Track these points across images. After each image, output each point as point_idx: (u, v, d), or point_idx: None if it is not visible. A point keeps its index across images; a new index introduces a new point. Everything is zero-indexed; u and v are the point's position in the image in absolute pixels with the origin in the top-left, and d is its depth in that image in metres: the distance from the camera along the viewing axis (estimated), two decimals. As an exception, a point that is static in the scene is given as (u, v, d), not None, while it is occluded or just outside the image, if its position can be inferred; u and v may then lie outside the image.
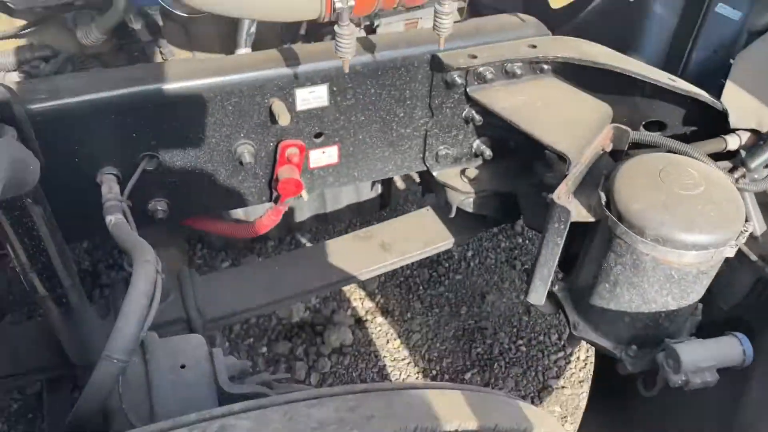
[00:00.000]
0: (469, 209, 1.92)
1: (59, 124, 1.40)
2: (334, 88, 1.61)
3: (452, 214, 1.93)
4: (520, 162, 1.91)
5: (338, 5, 1.09)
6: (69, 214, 1.54)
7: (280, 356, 2.79)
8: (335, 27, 1.18)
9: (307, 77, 1.56)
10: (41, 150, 1.39)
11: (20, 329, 1.86)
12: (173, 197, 1.64)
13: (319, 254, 2.11)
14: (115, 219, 1.38)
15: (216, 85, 1.50)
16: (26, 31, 1.58)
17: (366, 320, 2.96)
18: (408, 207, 3.43)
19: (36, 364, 1.79)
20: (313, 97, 1.60)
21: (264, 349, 2.81)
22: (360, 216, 2.96)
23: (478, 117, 1.76)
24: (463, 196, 1.89)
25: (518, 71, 1.67)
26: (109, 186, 1.48)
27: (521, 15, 1.78)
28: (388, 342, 2.89)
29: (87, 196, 1.52)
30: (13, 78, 1.55)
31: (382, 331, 2.93)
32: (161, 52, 1.75)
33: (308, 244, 3.19)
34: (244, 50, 1.62)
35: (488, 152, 1.86)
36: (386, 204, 2.71)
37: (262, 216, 1.81)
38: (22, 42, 1.64)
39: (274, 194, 1.72)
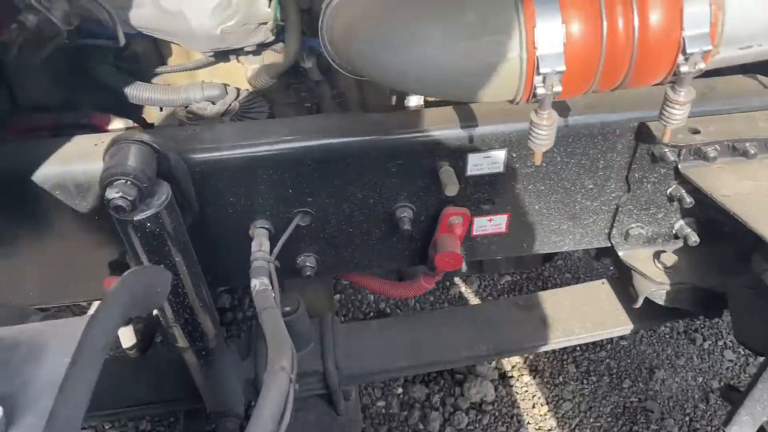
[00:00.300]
0: (660, 301, 1.60)
1: (217, 176, 1.33)
2: (513, 154, 1.38)
3: (637, 305, 1.61)
4: (733, 251, 1.55)
5: (540, 91, 0.86)
6: (218, 262, 1.49)
7: (415, 401, 2.62)
8: (531, 114, 0.95)
9: (483, 141, 1.35)
10: (196, 198, 1.34)
11: (164, 357, 1.86)
12: (323, 254, 1.53)
13: (471, 318, 1.91)
14: (260, 285, 1.28)
15: (381, 144, 1.34)
16: (198, 67, 1.54)
17: (511, 376, 2.70)
18: (572, 253, 3.09)
19: (177, 395, 1.79)
20: (487, 163, 1.39)
21: (399, 391, 2.67)
22: (520, 268, 2.70)
23: (688, 198, 1.43)
24: (655, 286, 1.57)
25: (751, 150, 1.32)
26: (260, 242, 1.39)
27: (762, 78, 1.41)
28: (533, 406, 2.61)
29: (237, 246, 1.45)
30: (181, 115, 1.52)
31: (528, 393, 2.65)
32: (331, 93, 1.63)
33: (461, 289, 2.98)
34: (415, 100, 1.44)
35: (694, 237, 1.52)
36: (550, 258, 2.42)
37: (415, 281, 1.64)
38: (194, 77, 1.61)
39: (430, 260, 1.53)
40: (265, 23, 1.30)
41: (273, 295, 1.29)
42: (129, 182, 1.08)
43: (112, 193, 1.06)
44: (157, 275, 0.91)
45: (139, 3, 1.21)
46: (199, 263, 1.37)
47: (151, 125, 1.66)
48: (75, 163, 1.29)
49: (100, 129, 1.54)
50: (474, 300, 2.93)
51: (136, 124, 1.59)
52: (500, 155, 1.38)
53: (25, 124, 1.50)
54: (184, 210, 1.33)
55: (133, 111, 1.63)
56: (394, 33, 0.88)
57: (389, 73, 0.91)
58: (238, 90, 1.59)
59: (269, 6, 1.27)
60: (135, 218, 1.13)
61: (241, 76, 1.63)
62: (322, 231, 1.48)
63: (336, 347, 1.81)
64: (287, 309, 1.72)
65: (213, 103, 1.50)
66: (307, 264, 1.52)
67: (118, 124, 1.55)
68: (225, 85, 1.57)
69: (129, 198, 1.06)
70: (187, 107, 1.52)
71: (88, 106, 1.61)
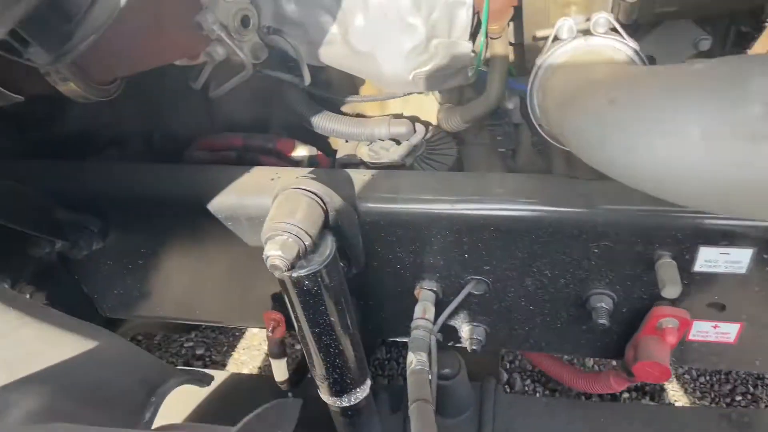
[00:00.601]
0: None
1: (389, 229, 1.19)
2: (765, 256, 1.05)
3: None
4: None
5: None
6: (375, 315, 1.37)
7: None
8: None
9: (724, 234, 1.04)
10: (363, 249, 1.23)
11: (315, 393, 1.80)
12: (494, 326, 1.33)
13: (665, 422, 1.56)
14: (416, 363, 1.13)
15: (584, 219, 1.10)
16: (389, 98, 1.42)
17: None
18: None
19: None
20: (724, 261, 1.07)
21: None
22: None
23: None
24: None
25: None
26: (425, 307, 1.23)
27: None
28: None
29: (399, 303, 1.32)
30: (364, 151, 1.41)
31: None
32: (531, 140, 1.41)
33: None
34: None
35: None
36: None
37: (603, 377, 1.36)
38: (385, 107, 1.49)
39: (626, 362, 1.25)
40: (465, 67, 1.12)
41: (429, 377, 1.13)
42: (291, 239, 0.97)
43: (271, 250, 0.97)
44: (285, 410, 0.79)
45: (330, 40, 1.11)
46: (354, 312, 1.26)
47: (335, 152, 1.57)
48: (249, 196, 1.24)
49: (284, 155, 1.49)
50: (670, 385, 2.48)
51: (319, 152, 1.52)
52: (745, 255, 1.05)
53: (215, 143, 1.50)
54: (350, 262, 1.22)
55: (319, 136, 1.56)
56: (630, 116, 0.65)
57: (616, 165, 0.68)
58: (427, 128, 1.43)
59: (472, 48, 1.08)
60: (293, 275, 1.03)
61: (434, 109, 1.48)
62: (496, 303, 1.28)
63: (495, 421, 1.60)
64: (447, 371, 1.55)
65: (398, 142, 1.37)
66: (475, 336, 1.33)
67: (302, 151, 1.49)
68: (414, 121, 1.43)
69: (287, 258, 0.96)
70: (370, 143, 1.41)
71: (277, 128, 1.58)
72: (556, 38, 0.88)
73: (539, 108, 0.92)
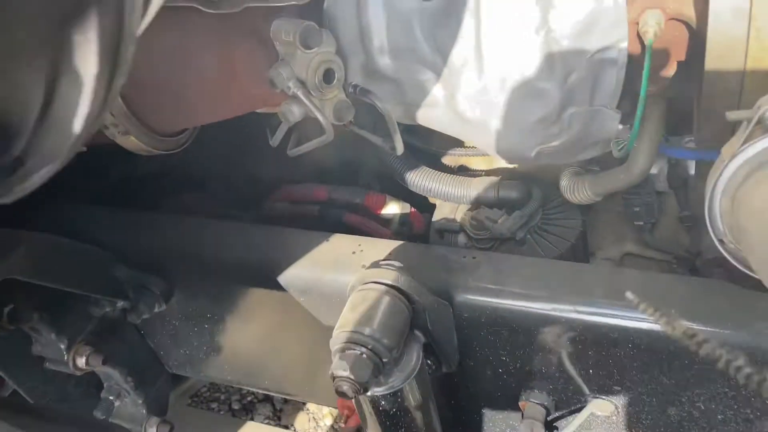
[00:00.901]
0: None
1: (492, 328, 0.96)
2: None
3: None
4: None
5: None
6: (473, 417, 1.14)
7: None
8: None
9: None
10: (458, 343, 1.00)
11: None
12: (620, 452, 1.05)
13: None
14: None
15: (761, 346, 0.81)
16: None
17: None
18: None
19: None
20: None
21: None
22: None
23: None
24: None
25: None
26: (531, 427, 0.98)
27: None
28: None
29: (500, 410, 1.08)
30: (465, 219, 1.18)
31: None
32: (679, 214, 1.12)
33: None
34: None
35: None
36: None
37: None
38: (490, 166, 1.25)
39: None
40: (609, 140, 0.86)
41: None
42: (365, 356, 0.76)
43: (338, 369, 0.76)
44: None
45: (432, 102, 0.89)
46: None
47: (432, 208, 1.36)
48: (325, 269, 1.05)
49: (373, 211, 1.29)
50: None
51: (413, 209, 1.31)
52: None
53: (297, 194, 1.33)
54: (439, 360, 1.00)
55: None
56: None
57: None
58: (545, 195, 1.18)
59: (620, 118, 0.82)
60: (367, 393, 0.82)
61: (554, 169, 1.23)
62: (626, 428, 1.00)
63: None
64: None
65: (509, 214, 1.12)
66: (593, 461, 1.06)
67: (393, 207, 1.29)
68: (529, 183, 1.18)
69: (359, 381, 0.75)
70: (474, 209, 1.17)
71: (368, 177, 1.39)
72: (759, 123, 0.60)
73: (724, 220, 0.64)
